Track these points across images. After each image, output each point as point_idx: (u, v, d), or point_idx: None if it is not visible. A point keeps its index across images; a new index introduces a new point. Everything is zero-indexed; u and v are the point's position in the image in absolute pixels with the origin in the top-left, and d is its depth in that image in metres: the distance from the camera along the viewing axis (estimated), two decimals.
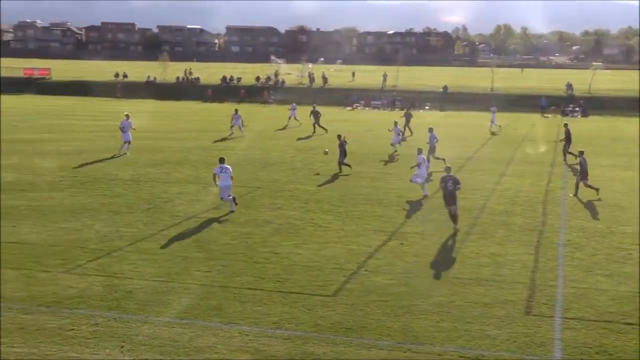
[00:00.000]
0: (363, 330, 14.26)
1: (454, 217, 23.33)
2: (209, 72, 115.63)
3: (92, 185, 29.88)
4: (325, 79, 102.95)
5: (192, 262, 18.82)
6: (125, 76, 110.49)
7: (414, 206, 26.82)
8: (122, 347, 13.29)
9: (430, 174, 31.49)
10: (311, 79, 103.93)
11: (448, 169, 24.51)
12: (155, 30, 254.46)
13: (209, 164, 35.71)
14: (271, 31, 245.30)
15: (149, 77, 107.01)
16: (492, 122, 59.52)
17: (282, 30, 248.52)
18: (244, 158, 38.65)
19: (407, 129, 52.23)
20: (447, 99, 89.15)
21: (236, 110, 51.97)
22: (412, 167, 30.10)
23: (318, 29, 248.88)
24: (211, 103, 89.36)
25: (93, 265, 18.34)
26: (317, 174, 33.82)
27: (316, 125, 53.38)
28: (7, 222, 22.75)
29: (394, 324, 14.62)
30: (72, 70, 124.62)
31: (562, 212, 26.18)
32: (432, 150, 36.88)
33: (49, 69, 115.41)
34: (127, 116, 41.01)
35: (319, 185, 30.91)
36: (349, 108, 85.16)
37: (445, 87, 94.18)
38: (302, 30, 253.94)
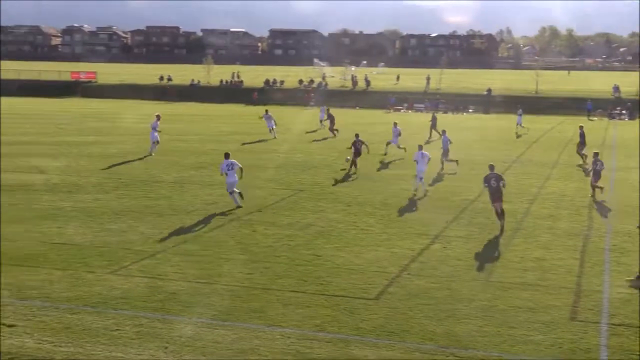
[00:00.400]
0: (405, 334, 14.19)
1: (500, 215, 23.49)
2: (252, 75, 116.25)
3: (137, 187, 30.20)
4: (368, 82, 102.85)
5: (235, 264, 18.91)
6: (169, 79, 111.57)
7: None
8: (166, 348, 13.39)
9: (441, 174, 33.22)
10: (354, 81, 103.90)
11: (492, 167, 24.70)
12: (200, 33, 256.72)
13: (252, 167, 35.88)
14: (314, 34, 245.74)
15: (193, 80, 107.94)
16: (519, 124, 59.40)
17: (325, 33, 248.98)
18: (287, 161, 38.78)
19: (432, 131, 51.70)
20: (491, 102, 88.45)
21: (266, 111, 52.40)
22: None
23: (361, 32, 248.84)
24: (255, 106, 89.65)
25: (137, 266, 18.53)
26: (349, 173, 33.77)
27: (332, 129, 52.74)
28: (53, 223, 23.10)
29: (436, 327, 14.53)
30: (118, 73, 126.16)
31: (608, 217, 25.79)
32: (445, 153, 36.95)
33: (95, 72, 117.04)
34: (158, 117, 41.43)
35: (362, 188, 30.83)
36: (387, 111, 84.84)
37: (489, 90, 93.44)
38: (345, 33, 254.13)
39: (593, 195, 29.38)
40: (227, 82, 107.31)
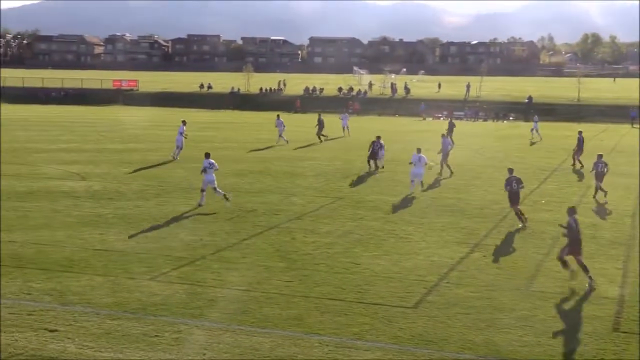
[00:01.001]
0: (444, 343, 14.09)
1: (519, 215, 24.96)
2: (292, 83, 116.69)
3: (177, 194, 30.44)
4: (407, 90, 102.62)
5: (274, 271, 18.94)
6: (210, 87, 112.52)
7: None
8: (204, 354, 13.45)
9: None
10: (393, 89, 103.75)
11: (511, 170, 25.77)
12: (240, 41, 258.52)
13: (291, 174, 36.05)
14: (354, 42, 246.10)
15: (233, 88, 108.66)
16: (534, 130, 59.05)
17: (364, 41, 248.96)
18: (326, 168, 38.79)
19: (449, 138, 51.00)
20: (532, 110, 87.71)
21: (278, 116, 53.00)
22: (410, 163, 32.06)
23: (401, 40, 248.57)
24: (294, 114, 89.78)
25: (177, 273, 18.65)
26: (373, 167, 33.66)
27: (319, 134, 53.50)
28: (95, 230, 23.36)
29: (476, 337, 14.40)
30: (159, 81, 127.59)
31: None
32: (445, 156, 37.17)
33: (137, 80, 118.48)
34: (184, 122, 43.71)
35: (401, 196, 30.72)
36: (420, 118, 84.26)
37: (529, 98, 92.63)
38: (384, 40, 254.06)
39: (597, 194, 30.72)
40: (267, 90, 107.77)
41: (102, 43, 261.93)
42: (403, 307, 16.13)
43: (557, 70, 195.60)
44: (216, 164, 28.37)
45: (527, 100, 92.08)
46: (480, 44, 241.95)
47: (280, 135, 51.25)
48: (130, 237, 22.57)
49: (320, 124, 53.77)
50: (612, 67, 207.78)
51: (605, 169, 30.83)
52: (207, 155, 28.49)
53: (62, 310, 15.60)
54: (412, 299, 16.72)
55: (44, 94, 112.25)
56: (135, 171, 36.80)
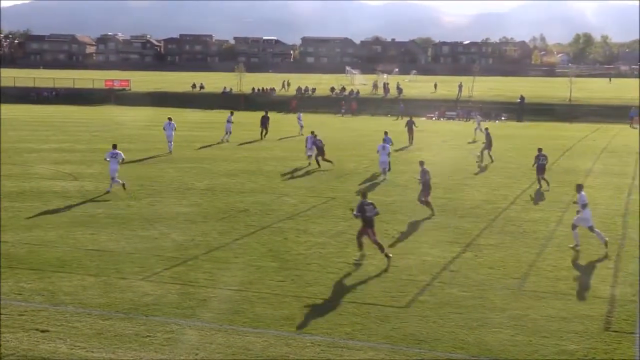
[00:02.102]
0: (436, 343, 14.12)
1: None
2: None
3: (169, 194, 30.41)
4: (400, 90, 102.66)
5: (266, 271, 18.95)
6: (202, 87, 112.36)
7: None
8: (197, 354, 13.44)
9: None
10: (386, 89, 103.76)
11: (540, 150, 32.73)
12: (232, 41, 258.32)
13: (283, 174, 36.02)
14: (346, 42, 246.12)
15: (225, 88, 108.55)
16: (477, 129, 57.49)
17: (357, 41, 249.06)
18: (318, 169, 38.75)
19: (410, 135, 52.57)
20: (524, 110, 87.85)
21: (231, 113, 54.29)
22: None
23: (393, 40, 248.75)
24: (286, 114, 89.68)
25: (169, 273, 18.64)
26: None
27: (263, 131, 55.68)
28: (87, 230, 23.33)
29: (468, 337, 14.43)
30: (151, 81, 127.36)
31: None
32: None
33: (129, 80, 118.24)
34: (170, 119, 46.39)
35: (394, 196, 30.76)
36: (395, 118, 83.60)
37: (522, 98, 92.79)
38: (377, 40, 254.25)
39: (540, 187, 32.89)
40: (259, 90, 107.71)
41: (94, 43, 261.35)
42: (395, 307, 16.16)
43: (549, 71, 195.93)
44: (122, 155, 30.98)
45: (519, 101, 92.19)
46: (472, 44, 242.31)
47: (226, 133, 52.18)
48: (122, 237, 22.54)
49: (265, 121, 56.26)
50: (604, 67, 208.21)
51: (545, 162, 33.50)
52: (114, 147, 31.23)
53: (53, 310, 15.57)
54: (404, 299, 16.75)
55: (36, 93, 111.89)
56: (127, 171, 36.68)
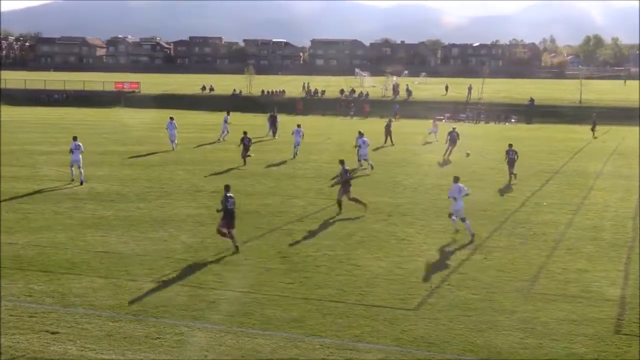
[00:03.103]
0: (446, 345, 14.10)
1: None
2: (294, 85, 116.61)
3: (179, 196, 30.45)
4: (409, 92, 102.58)
5: (275, 273, 18.96)
6: (212, 89, 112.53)
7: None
8: (206, 356, 13.46)
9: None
10: (395, 91, 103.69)
11: (510, 145, 35.92)
12: (242, 44, 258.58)
13: (292, 176, 36.05)
14: (356, 44, 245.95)
15: (234, 90, 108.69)
16: (434, 132, 58.21)
17: (366, 43, 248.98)
18: (327, 170, 38.75)
19: (387, 137, 53.18)
20: (534, 112, 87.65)
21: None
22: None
23: (403, 42, 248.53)
24: (295, 116, 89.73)
25: (178, 275, 18.67)
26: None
27: (274, 131, 57.67)
28: (96, 232, 23.40)
29: (477, 339, 14.40)
30: (161, 83, 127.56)
31: None
32: (362, 155, 40.15)
33: (139, 82, 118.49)
34: (172, 118, 48.71)
35: (402, 198, 30.74)
36: (391, 119, 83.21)
37: (531, 100, 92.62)
38: (386, 42, 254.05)
39: (511, 180, 35.42)
40: (269, 92, 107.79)
41: (104, 45, 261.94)
42: (404, 309, 16.14)
43: (559, 72, 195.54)
44: (82, 147, 33.98)
45: (529, 102, 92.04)
46: (482, 45, 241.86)
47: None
48: (132, 239, 22.58)
49: (273, 120, 58.44)
50: (614, 69, 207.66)
51: (515, 156, 36.12)
52: (75, 139, 34.24)
53: (63, 312, 15.62)
54: (413, 301, 16.73)
55: (46, 95, 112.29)
56: (137, 173, 36.80)
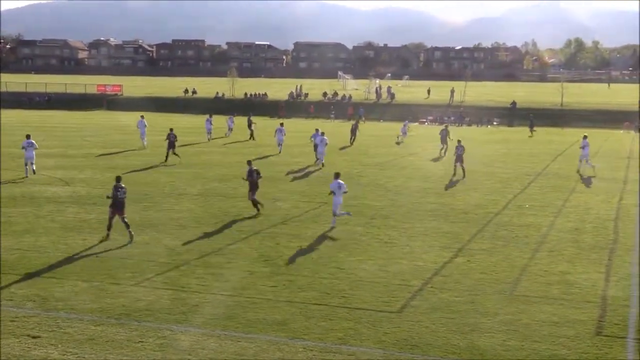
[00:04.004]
0: (429, 348, 14.13)
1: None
2: (277, 88, 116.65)
3: (161, 199, 30.37)
4: (392, 95, 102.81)
5: (258, 276, 18.94)
6: (194, 92, 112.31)
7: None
8: None
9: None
10: (378, 94, 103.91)
11: (459, 141, 38.81)
12: (224, 46, 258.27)
13: (275, 179, 36.02)
14: (339, 47, 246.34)
15: (217, 93, 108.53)
16: (404, 133, 61.19)
17: (349, 46, 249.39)
18: (310, 173, 38.81)
19: (353, 137, 56.89)
20: (516, 115, 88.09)
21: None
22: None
23: (385, 45, 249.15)
24: (278, 119, 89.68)
25: (161, 278, 18.61)
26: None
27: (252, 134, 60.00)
28: (78, 235, 23.29)
29: (460, 341, 14.45)
30: (143, 86, 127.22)
31: (635, 230, 25.54)
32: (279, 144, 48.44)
33: (121, 85, 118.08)
34: (142, 117, 52.87)
35: (385, 201, 30.80)
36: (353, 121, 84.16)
37: (513, 103, 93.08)
38: (369, 46, 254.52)
39: (455, 174, 38.24)
40: (251, 95, 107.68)
41: (86, 48, 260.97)
42: (387, 312, 16.17)
43: (541, 76, 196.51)
44: (36, 144, 36.03)
45: (510, 105, 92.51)
46: (464, 49, 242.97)
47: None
48: (114, 242, 22.49)
49: (249, 124, 61.20)
50: (595, 72, 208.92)
51: (462, 152, 38.62)
52: (28, 137, 36.04)
53: (45, 316, 15.53)
54: (396, 304, 16.76)
55: (28, 98, 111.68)
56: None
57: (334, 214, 25.31)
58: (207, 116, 60.74)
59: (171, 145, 42.72)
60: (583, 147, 41.80)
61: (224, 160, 44.07)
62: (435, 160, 46.23)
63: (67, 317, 15.46)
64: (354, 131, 57.26)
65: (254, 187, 27.66)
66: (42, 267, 19.38)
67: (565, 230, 25.47)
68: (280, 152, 48.46)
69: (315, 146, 43.34)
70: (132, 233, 22.74)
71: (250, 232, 24.32)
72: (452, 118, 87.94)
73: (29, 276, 18.51)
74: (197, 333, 14.68)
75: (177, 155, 42.52)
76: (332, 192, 25.29)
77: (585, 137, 42.62)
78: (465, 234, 24.54)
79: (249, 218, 26.54)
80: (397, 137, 60.61)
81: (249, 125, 60.96)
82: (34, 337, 14.32)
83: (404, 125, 62.32)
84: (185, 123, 76.17)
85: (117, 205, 22.91)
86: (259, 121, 66.51)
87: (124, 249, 21.60)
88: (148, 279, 18.47)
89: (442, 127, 52.43)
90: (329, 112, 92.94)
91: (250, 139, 59.02)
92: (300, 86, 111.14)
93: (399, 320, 15.61)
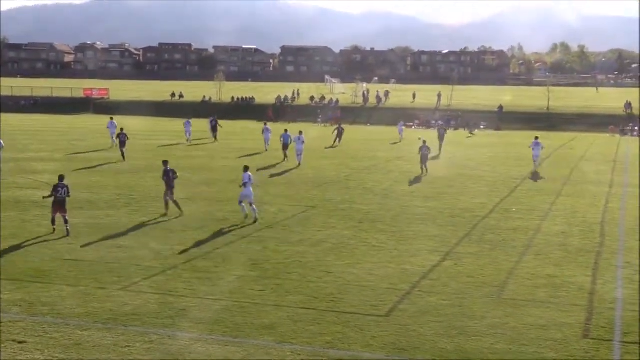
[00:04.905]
0: (416, 351, 14.13)
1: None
2: (264, 92, 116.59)
3: (148, 203, 30.28)
4: (379, 99, 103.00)
5: (246, 280, 18.90)
6: (181, 96, 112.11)
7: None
8: None
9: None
10: (365, 98, 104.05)
11: (424, 141, 40.84)
12: (211, 50, 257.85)
13: (263, 183, 35.96)
14: (326, 51, 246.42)
15: (204, 97, 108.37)
16: (400, 134, 66.56)
17: (336, 50, 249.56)
18: (298, 177, 38.81)
19: (336, 139, 58.47)
20: (503, 119, 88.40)
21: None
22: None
23: (372, 49, 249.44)
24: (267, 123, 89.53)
25: (148, 283, 18.54)
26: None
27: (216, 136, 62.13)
28: (65, 240, 23.18)
29: (447, 345, 14.45)
30: (130, 90, 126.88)
31: (620, 234, 25.66)
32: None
33: (108, 89, 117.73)
34: (111, 118, 58.11)
35: (373, 205, 30.82)
36: (323, 125, 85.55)
37: (500, 107, 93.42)
38: (356, 49, 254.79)
39: (423, 173, 40.40)
40: (239, 99, 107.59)
41: (72, 51, 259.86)
42: (375, 316, 16.16)
43: (527, 80, 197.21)
44: (2, 142, 38.82)
45: (497, 109, 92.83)
46: (450, 53, 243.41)
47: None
48: (101, 246, 22.40)
49: (214, 126, 62.99)
50: (581, 76, 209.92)
51: (428, 152, 41.18)
52: None
53: (31, 321, 15.43)
54: (384, 308, 16.75)
55: (14, 102, 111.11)
56: (106, 180, 36.53)
57: (240, 204, 27.06)
58: (186, 119, 62.90)
59: (122, 144, 46.55)
60: (533, 148, 44.42)
61: (210, 164, 43.98)
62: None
63: (54, 322, 15.37)
64: (340, 133, 58.77)
65: (170, 187, 28.15)
66: (29, 272, 19.26)
67: (552, 233, 25.55)
68: (266, 150, 52.20)
69: (285, 145, 46.71)
70: (69, 229, 23.91)
71: (238, 236, 24.27)
72: (440, 122, 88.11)
73: (15, 281, 18.38)
74: (185, 337, 14.62)
75: (122, 153, 46.11)
76: (244, 184, 26.81)
77: (536, 137, 45.76)
78: (452, 237, 24.58)
79: (236, 222, 26.48)
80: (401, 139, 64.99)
81: (214, 128, 62.85)
82: (20, 342, 14.22)
83: (400, 126, 67.84)
84: (172, 127, 76.04)
85: (58, 203, 24.17)
86: (246, 125, 66.48)
87: (111, 253, 21.49)
88: (135, 283, 18.39)
89: (437, 128, 57.61)
90: (316, 116, 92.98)
91: (214, 140, 61.24)
92: (298, 90, 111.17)
93: (386, 324, 15.61)
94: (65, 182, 24.81)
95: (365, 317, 16.06)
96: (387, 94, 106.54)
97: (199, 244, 23.01)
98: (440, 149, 52.81)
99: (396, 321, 15.82)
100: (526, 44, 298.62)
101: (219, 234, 24.54)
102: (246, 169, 27.52)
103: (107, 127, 56.36)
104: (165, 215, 27.39)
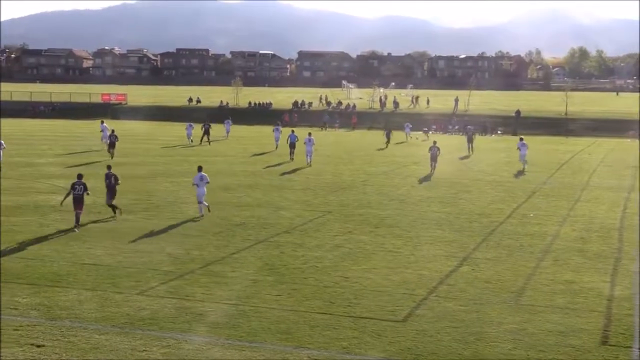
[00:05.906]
0: (433, 357, 14.08)
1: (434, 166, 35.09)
2: (281, 97, 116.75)
3: (165, 208, 30.38)
4: (396, 104, 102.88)
5: (263, 285, 18.91)
6: (199, 101, 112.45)
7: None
8: None
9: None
10: (382, 103, 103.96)
11: (435, 142, 44.13)
12: (228, 56, 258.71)
13: (280, 188, 36.03)
14: (343, 56, 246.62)
15: (222, 102, 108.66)
16: (407, 132, 73.00)
17: (353, 55, 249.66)
18: (315, 182, 38.80)
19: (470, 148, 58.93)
20: (520, 124, 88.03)
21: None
22: None
23: (389, 54, 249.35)
24: (283, 127, 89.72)
25: (165, 287, 18.58)
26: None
27: (207, 139, 63.64)
28: (83, 244, 23.29)
29: (464, 351, 14.39)
30: (148, 95, 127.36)
31: (638, 239, 25.46)
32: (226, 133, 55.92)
33: (125, 94, 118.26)
34: (102, 121, 62.87)
35: (390, 210, 30.77)
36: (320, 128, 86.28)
37: (517, 112, 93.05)
38: (373, 55, 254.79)
39: (431, 171, 43.16)
40: (256, 104, 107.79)
41: (90, 57, 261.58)
42: (392, 321, 16.12)
43: (544, 84, 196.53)
44: (4, 144, 41.40)
45: (515, 114, 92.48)
46: (468, 57, 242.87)
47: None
48: (118, 251, 22.48)
49: (207, 130, 64.21)
50: (599, 81, 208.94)
51: (438, 152, 43.65)
52: None
53: (49, 325, 15.51)
54: (401, 313, 16.71)
55: (33, 108, 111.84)
56: (123, 185, 36.62)
57: (199, 203, 28.51)
58: (188, 123, 66.86)
59: (112, 145, 50.08)
60: (519, 148, 46.97)
61: (228, 169, 44.05)
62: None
63: (71, 326, 15.44)
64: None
65: (111, 191, 28.90)
66: (47, 276, 19.37)
67: (570, 239, 25.41)
68: (276, 148, 56.31)
69: (292, 145, 49.85)
70: (78, 227, 25.39)
71: (254, 240, 24.30)
72: (457, 127, 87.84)
73: (33, 285, 18.49)
74: (201, 342, 14.64)
75: (111, 153, 49.25)
76: (196, 185, 28.48)
77: (521, 138, 49.08)
78: (470, 242, 24.49)
79: (253, 227, 26.51)
80: (416, 138, 70.69)
81: (207, 132, 63.94)
82: (38, 346, 14.29)
83: (407, 128, 73.74)
84: (174, 131, 76.16)
85: (76, 200, 25.65)
86: (262, 130, 66.61)
87: (128, 258, 21.57)
88: (152, 288, 18.44)
89: (466, 132, 62.16)
90: (333, 121, 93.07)
91: (207, 143, 62.67)
92: (326, 96, 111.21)
93: (403, 330, 15.56)
94: (83, 180, 26.00)
95: (381, 322, 16.03)
96: (416, 99, 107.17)
97: (216, 248, 23.04)
98: (470, 151, 57.47)
99: (413, 327, 15.77)
100: (543, 48, 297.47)
101: (236, 238, 24.56)
102: (200, 169, 29.13)
103: (101, 130, 60.07)
104: (114, 217, 28.24)
